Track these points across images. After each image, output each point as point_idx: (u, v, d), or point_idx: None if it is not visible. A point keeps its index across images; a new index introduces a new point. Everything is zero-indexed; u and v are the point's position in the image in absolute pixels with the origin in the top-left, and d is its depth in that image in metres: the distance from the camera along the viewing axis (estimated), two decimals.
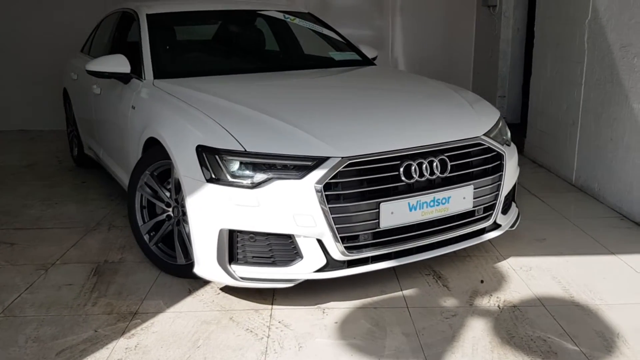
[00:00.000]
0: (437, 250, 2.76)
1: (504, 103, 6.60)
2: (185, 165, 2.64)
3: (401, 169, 2.56)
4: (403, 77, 3.96)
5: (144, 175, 3.04)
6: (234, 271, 2.54)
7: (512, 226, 3.15)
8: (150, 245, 3.08)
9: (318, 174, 2.43)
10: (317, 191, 2.41)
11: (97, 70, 3.54)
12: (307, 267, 2.52)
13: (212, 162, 2.53)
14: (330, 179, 2.44)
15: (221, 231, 2.51)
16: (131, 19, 4.28)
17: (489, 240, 3.28)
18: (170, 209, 3.00)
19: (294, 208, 2.43)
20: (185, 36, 4.23)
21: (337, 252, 2.50)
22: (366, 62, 4.13)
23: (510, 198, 3.21)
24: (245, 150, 2.49)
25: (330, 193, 2.45)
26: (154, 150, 2.99)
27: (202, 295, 2.82)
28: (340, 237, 2.48)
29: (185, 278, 2.97)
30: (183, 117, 2.81)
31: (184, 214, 2.91)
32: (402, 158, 2.58)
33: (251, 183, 2.46)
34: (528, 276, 2.98)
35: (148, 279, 3.01)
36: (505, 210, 3.11)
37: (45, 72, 7.11)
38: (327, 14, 6.76)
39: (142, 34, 3.70)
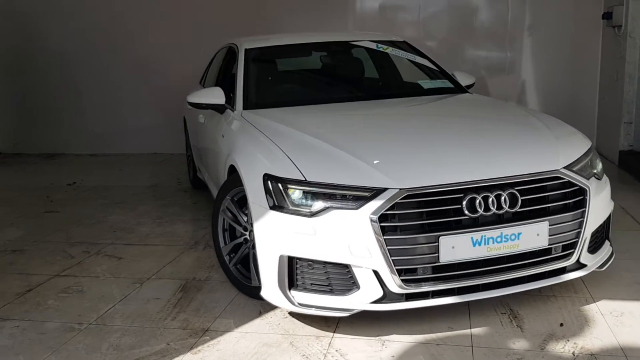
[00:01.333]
0: (507, 289, 2.62)
1: (630, 130, 6.07)
2: (254, 192, 2.78)
3: (464, 202, 2.48)
4: (489, 105, 3.81)
5: (225, 200, 3.23)
6: (293, 297, 2.61)
7: (600, 267, 2.89)
8: (230, 266, 3.25)
9: (374, 204, 2.43)
10: (373, 222, 2.42)
11: (195, 101, 3.84)
12: (363, 298, 2.52)
13: (276, 190, 2.63)
14: (387, 210, 2.43)
15: (281, 257, 2.59)
16: (234, 53, 4.59)
17: (581, 280, 3.06)
18: (247, 233, 3.15)
19: (350, 238, 2.45)
20: (280, 68, 4.44)
21: (394, 284, 2.47)
22: (459, 89, 4.05)
23: (601, 235, 2.96)
24: (306, 180, 2.57)
25: (387, 224, 2.44)
26: (234, 177, 3.17)
27: (270, 318, 2.92)
28: (397, 270, 2.46)
29: (258, 299, 3.09)
30: (256, 146, 2.97)
31: None
32: (466, 191, 2.50)
33: (309, 212, 2.53)
34: (617, 322, 2.71)
35: (225, 298, 3.18)
36: (594, 249, 2.88)
37: (175, 99, 7.76)
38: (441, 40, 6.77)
39: (238, 67, 3.95)
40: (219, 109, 3.83)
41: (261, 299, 3.01)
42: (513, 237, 2.53)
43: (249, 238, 3.14)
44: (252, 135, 3.11)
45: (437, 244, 2.45)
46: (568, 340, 2.58)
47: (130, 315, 3.04)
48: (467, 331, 2.69)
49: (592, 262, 2.83)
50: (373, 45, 4.36)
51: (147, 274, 3.60)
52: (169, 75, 7.79)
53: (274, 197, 2.63)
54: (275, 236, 2.61)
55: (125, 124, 8.08)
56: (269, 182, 2.67)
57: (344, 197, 2.51)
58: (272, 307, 3.02)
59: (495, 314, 2.84)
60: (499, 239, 2.51)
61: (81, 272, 3.68)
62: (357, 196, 2.49)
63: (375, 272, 2.48)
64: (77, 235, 4.47)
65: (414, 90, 4.01)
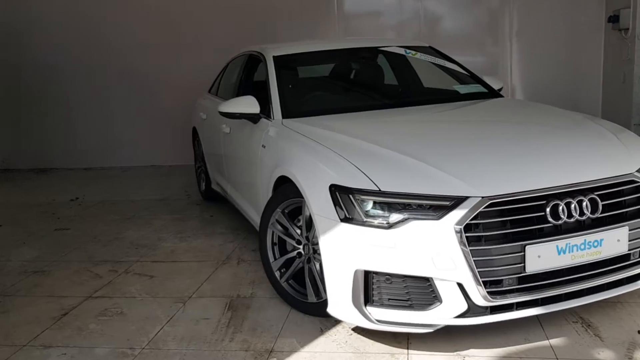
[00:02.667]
0: (588, 297, 2.54)
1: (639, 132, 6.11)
2: (318, 204, 2.65)
3: (547, 209, 2.40)
4: (536, 109, 3.75)
5: (275, 213, 3.09)
6: (369, 313, 2.49)
7: None
8: (281, 282, 3.11)
9: (457, 214, 2.33)
10: (457, 232, 2.32)
11: (228, 111, 3.69)
12: (446, 312, 2.41)
13: (346, 202, 2.51)
14: (471, 219, 2.33)
15: (356, 272, 2.47)
16: (257, 61, 4.45)
17: None
18: (301, 247, 3.02)
19: (432, 250, 2.35)
20: (309, 76, 4.32)
21: (479, 297, 2.37)
22: (493, 94, 3.99)
23: None
24: (380, 190, 2.45)
25: (471, 234, 2.34)
26: (285, 189, 3.03)
27: (334, 335, 2.79)
28: (483, 282, 2.36)
29: (316, 316, 2.96)
30: (315, 156, 2.84)
31: (315, 251, 2.92)
32: (549, 197, 2.42)
33: (387, 223, 2.41)
34: None
35: (280, 316, 3.03)
36: None
37: (174, 112, 7.59)
38: (436, 42, 6.71)
39: (270, 76, 3.82)
40: (253, 118, 3.69)
41: (320, 315, 2.89)
42: (596, 243, 2.45)
43: (302, 252, 3.01)
44: (307, 144, 2.98)
45: (523, 253, 2.36)
46: None
47: (184, 337, 2.87)
48: (545, 342, 2.61)
49: None
50: (402, 51, 4.27)
51: (186, 292, 3.43)
52: (164, 87, 7.60)
53: (344, 209, 2.51)
54: (348, 250, 2.48)
55: (118, 136, 7.85)
56: (337, 194, 2.55)
57: (422, 207, 2.40)
58: (332, 324, 2.89)
59: (567, 323, 2.76)
60: (582, 247, 2.43)
61: (115, 293, 3.49)
62: (436, 206, 2.38)
63: (460, 285, 2.37)
64: (97, 253, 4.27)
65: (452, 96, 3.93)
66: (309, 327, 2.89)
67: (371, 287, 2.48)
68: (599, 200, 2.47)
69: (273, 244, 3.17)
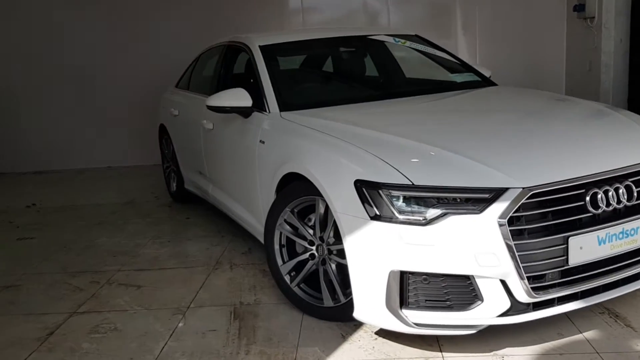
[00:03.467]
0: (625, 288, 2.46)
1: None
2: (342, 201, 2.46)
3: (587, 198, 2.30)
4: (545, 97, 3.64)
5: (284, 213, 2.88)
6: (406, 316, 2.32)
7: None
8: (292, 287, 2.91)
9: (499, 207, 2.20)
10: (501, 226, 2.18)
11: (218, 105, 3.44)
12: (488, 311, 2.27)
13: (375, 198, 2.34)
14: (513, 212, 2.20)
15: (391, 273, 2.30)
16: (237, 52, 4.21)
17: None
18: (314, 248, 2.82)
19: (475, 246, 2.20)
20: (298, 66, 4.11)
21: (522, 293, 2.24)
22: (487, 82, 3.90)
23: None
24: (413, 184, 2.29)
25: (513, 228, 2.21)
26: (296, 186, 2.83)
27: (359, 341, 2.61)
28: (526, 277, 2.23)
29: (333, 321, 2.77)
30: (333, 150, 2.64)
31: (331, 252, 2.73)
32: (587, 186, 2.32)
33: (423, 219, 2.25)
34: None
35: (293, 323, 2.82)
36: None
37: (129, 110, 7.20)
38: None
39: (259, 67, 3.58)
40: (244, 112, 3.45)
41: (338, 320, 2.73)
42: (632, 232, 2.38)
43: (316, 253, 2.82)
44: (320, 138, 2.78)
45: (566, 245, 2.26)
46: None
47: (194, 352, 2.62)
48: (580, 336, 2.52)
49: None
50: (390, 40, 4.13)
51: (182, 302, 3.17)
52: (116, 85, 7.19)
53: (374, 205, 2.33)
54: (381, 250, 2.31)
55: (70, 138, 7.38)
56: (364, 190, 2.37)
57: (459, 201, 2.26)
58: (353, 329, 2.71)
59: (595, 315, 2.69)
60: (620, 236, 2.35)
61: (102, 307, 3.18)
62: (475, 199, 2.24)
63: (502, 282, 2.24)
64: (71, 263, 3.92)
65: (450, 85, 3.81)
66: (329, 333, 2.70)
67: (407, 288, 2.31)
68: (634, 187, 2.40)
69: (281, 246, 2.96)
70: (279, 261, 2.96)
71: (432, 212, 2.24)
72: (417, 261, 2.26)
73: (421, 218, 2.26)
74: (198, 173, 4.59)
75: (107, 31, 7.05)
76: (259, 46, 3.75)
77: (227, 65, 4.31)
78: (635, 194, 2.40)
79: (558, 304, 2.35)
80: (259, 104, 3.41)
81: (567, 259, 2.27)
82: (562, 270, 2.29)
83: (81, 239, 4.43)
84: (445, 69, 4.03)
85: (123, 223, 4.82)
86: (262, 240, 3.44)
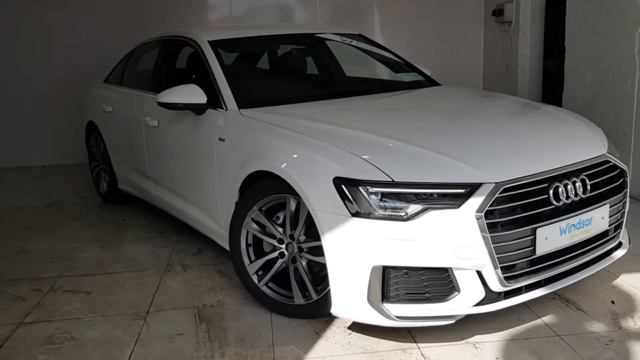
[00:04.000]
0: (580, 274, 2.66)
1: None
2: (320, 199, 2.47)
3: (550, 192, 2.46)
4: (492, 96, 3.84)
5: (252, 212, 2.85)
6: (387, 310, 2.38)
7: (630, 243, 3.08)
8: (260, 286, 2.88)
9: (476, 201, 2.30)
10: (478, 219, 2.29)
11: (170, 102, 3.33)
12: (465, 302, 2.38)
13: (356, 195, 2.37)
14: (489, 206, 2.32)
15: (374, 268, 2.34)
16: (180, 47, 4.10)
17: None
18: (283, 246, 2.81)
19: (454, 239, 2.30)
20: (249, 63, 4.06)
21: (496, 282, 2.37)
22: (431, 81, 4.05)
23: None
24: (394, 181, 2.34)
25: (488, 221, 2.32)
26: (264, 184, 2.80)
27: (333, 337, 2.64)
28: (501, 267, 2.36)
29: (304, 319, 2.78)
30: (306, 148, 2.64)
31: (302, 250, 2.74)
32: (549, 180, 2.48)
33: (405, 215, 2.31)
34: None
35: (263, 322, 2.80)
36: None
37: (45, 107, 6.79)
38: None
39: (211, 63, 3.50)
40: (198, 109, 3.37)
41: (308, 317, 2.75)
42: (587, 222, 2.57)
43: (286, 252, 2.81)
44: (290, 136, 2.76)
45: (533, 236, 2.40)
46: (633, 317, 2.70)
47: (165, 358, 2.53)
48: (539, 321, 2.69)
49: (625, 239, 3.00)
50: (338, 38, 4.18)
51: (140, 307, 3.04)
52: (29, 80, 6.73)
53: (355, 202, 2.36)
54: (364, 246, 2.34)
55: None
56: (344, 187, 2.39)
57: (438, 197, 2.34)
58: (325, 325, 2.73)
59: (547, 300, 2.88)
60: (577, 226, 2.54)
61: (52, 315, 2.99)
62: (452, 194, 2.33)
63: (478, 272, 2.35)
64: (4, 270, 3.64)
65: (400, 84, 3.91)
66: (302, 331, 2.71)
67: (388, 282, 2.37)
68: (587, 181, 2.59)
69: (247, 245, 2.92)
70: (246, 261, 2.92)
71: (413, 208, 2.31)
72: (399, 256, 2.32)
73: (403, 214, 2.32)
74: (136, 172, 4.41)
75: (22, 29, 6.59)
76: (209, 41, 3.66)
77: (169, 61, 4.18)
78: (588, 187, 2.59)
79: (525, 292, 2.49)
80: (214, 101, 3.33)
81: (534, 249, 2.42)
82: (530, 260, 2.44)
83: (10, 244, 4.12)
84: (391, 69, 4.13)
85: (53, 226, 4.53)
86: (217, 239, 3.39)
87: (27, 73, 6.71)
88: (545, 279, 2.54)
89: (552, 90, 6.50)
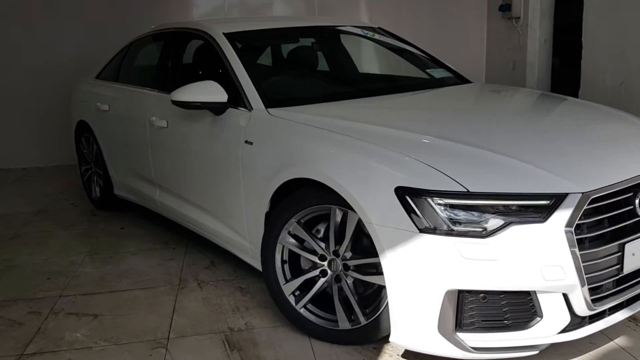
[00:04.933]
0: None
1: None
2: (379, 212, 2.15)
3: (637, 202, 2.19)
4: (546, 96, 3.54)
5: (289, 224, 2.52)
6: (462, 340, 2.07)
7: None
8: (298, 308, 2.55)
9: (564, 214, 2.01)
10: (568, 235, 2.00)
11: (187, 100, 2.97)
12: (549, 329, 2.09)
13: (424, 208, 2.06)
14: (579, 219, 2.03)
15: (448, 292, 2.03)
16: (188, 40, 3.74)
17: None
18: (325, 263, 2.49)
19: (541, 258, 2.00)
20: (278, 58, 3.70)
21: (582, 306, 2.08)
22: (461, 78, 3.76)
23: None
24: (468, 191, 2.04)
25: (577, 237, 2.03)
26: (305, 194, 2.47)
27: None
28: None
29: (348, 345, 2.47)
30: (357, 153, 2.32)
31: (347, 267, 2.42)
32: (634, 189, 2.21)
33: (483, 231, 2.01)
34: None
35: (303, 350, 2.48)
36: None
37: (24, 105, 6.32)
38: None
39: (230, 57, 3.15)
40: (218, 108, 3.02)
41: (356, 344, 2.43)
42: None
43: (328, 270, 2.49)
44: (334, 139, 2.43)
45: (621, 253, 2.13)
46: None
47: None
48: (613, 344, 2.43)
49: None
50: (360, 32, 3.86)
51: (158, 332, 2.69)
52: (7, 85, 6.26)
53: (422, 216, 2.05)
54: (436, 267, 2.03)
55: None
56: (409, 198, 2.08)
57: (519, 209, 2.04)
58: (375, 353, 2.43)
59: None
60: None
61: (57, 344, 2.62)
62: (536, 206, 2.04)
63: (564, 295, 2.06)
64: None
65: (432, 82, 3.60)
66: (351, 359, 2.39)
67: (463, 309, 2.06)
68: None
69: (283, 262, 2.59)
70: (281, 279, 2.59)
71: (493, 223, 2.01)
72: (478, 278, 2.02)
73: (480, 229, 2.02)
74: (137, 177, 4.02)
75: None
76: (225, 34, 3.31)
77: (176, 56, 3.81)
78: None
79: (609, 314, 2.22)
80: (234, 100, 2.99)
81: (622, 267, 2.15)
82: (617, 279, 2.16)
83: None
84: (417, 64, 3.82)
85: (43, 236, 4.12)
86: (238, 253, 3.06)
87: (6, 73, 6.24)
88: (627, 300, 2.27)
89: (560, 88, 6.30)
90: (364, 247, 2.36)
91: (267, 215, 2.70)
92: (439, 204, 2.04)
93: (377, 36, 3.89)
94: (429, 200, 2.05)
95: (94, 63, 4.97)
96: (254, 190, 2.75)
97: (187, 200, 3.46)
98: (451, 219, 2.03)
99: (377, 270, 2.29)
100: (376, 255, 2.18)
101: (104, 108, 4.29)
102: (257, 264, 2.86)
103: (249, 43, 3.42)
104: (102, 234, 4.16)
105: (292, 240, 2.55)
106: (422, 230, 2.05)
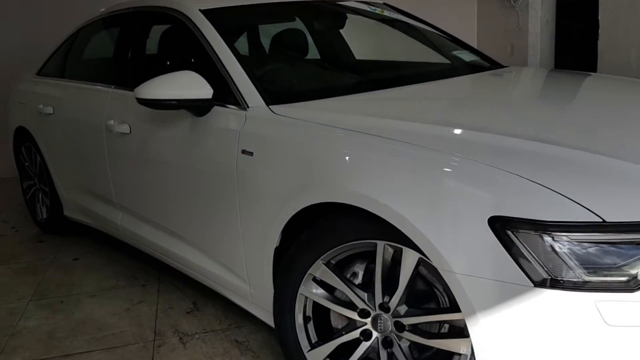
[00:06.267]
0: None
1: None
2: (465, 254, 1.44)
3: None
4: (618, 80, 2.83)
5: (316, 267, 1.79)
6: None
7: None
8: None
9: None
10: None
11: (158, 97, 2.20)
12: None
13: (537, 248, 1.36)
14: None
15: None
16: (152, 22, 2.97)
17: None
18: (369, 320, 1.77)
19: None
20: (261, 42, 2.91)
21: None
22: (492, 62, 3.08)
23: None
24: (604, 221, 1.35)
25: None
26: (337, 225, 1.74)
27: None
28: None
29: None
30: (423, 166, 1.59)
31: (402, 327, 1.71)
32: None
33: (630, 280, 1.33)
34: None
35: None
36: None
37: None
38: None
39: (212, 41, 2.38)
40: (199, 107, 2.26)
41: None
42: None
43: (373, 330, 1.77)
44: (382, 147, 1.70)
45: None
46: None
47: None
48: None
49: None
50: (366, 7, 3.14)
51: None
52: None
53: (539, 262, 1.35)
54: (564, 338, 1.34)
55: None
56: (513, 234, 1.38)
57: None
58: None
59: None
60: None
61: None
62: None
63: None
64: None
65: (463, 67, 2.90)
66: None
67: None
68: None
69: (306, 319, 1.86)
70: (305, 345, 1.86)
71: None
72: (628, 355, 1.33)
73: (626, 278, 1.33)
74: (93, 196, 3.22)
75: None
76: (201, 11, 2.54)
77: (137, 43, 3.01)
78: None
79: None
80: (223, 95, 2.23)
81: None
82: None
83: None
84: (438, 45, 3.13)
85: None
86: (234, 299, 2.32)
87: None
88: None
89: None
90: (420, 297, 1.66)
91: (276, 250, 1.97)
92: (565, 243, 1.35)
93: (386, 12, 3.18)
94: (547, 237, 1.35)
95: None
96: (258, 218, 2.01)
97: (158, 226, 2.68)
98: (583, 264, 1.34)
99: (438, 330, 1.61)
100: (442, 308, 1.49)
101: (48, 111, 3.46)
102: (263, 315, 2.13)
103: (235, 22, 2.66)
104: (50, 268, 3.33)
105: (318, 290, 1.82)
106: (538, 284, 1.35)
